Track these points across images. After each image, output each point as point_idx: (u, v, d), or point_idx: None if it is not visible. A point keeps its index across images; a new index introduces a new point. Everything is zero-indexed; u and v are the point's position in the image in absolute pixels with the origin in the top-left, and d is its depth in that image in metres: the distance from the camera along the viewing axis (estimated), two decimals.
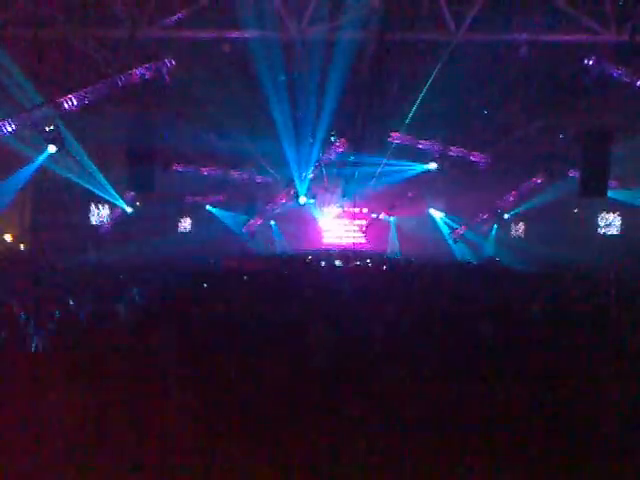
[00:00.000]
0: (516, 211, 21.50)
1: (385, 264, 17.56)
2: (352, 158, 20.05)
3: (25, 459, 3.76)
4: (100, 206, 21.76)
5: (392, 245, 23.00)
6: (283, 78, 14.64)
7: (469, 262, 18.84)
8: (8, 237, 19.59)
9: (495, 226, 22.22)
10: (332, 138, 19.43)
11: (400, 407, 4.40)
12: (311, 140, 18.29)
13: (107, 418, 4.17)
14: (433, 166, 20.16)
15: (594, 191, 15.34)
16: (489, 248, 21.96)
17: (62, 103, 13.37)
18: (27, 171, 16.45)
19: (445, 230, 22.86)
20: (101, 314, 6.98)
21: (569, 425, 4.24)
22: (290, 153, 18.43)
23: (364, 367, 5.14)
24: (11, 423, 4.06)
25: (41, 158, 15.84)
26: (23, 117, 13.45)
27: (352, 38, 12.38)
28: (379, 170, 20.33)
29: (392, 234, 23.19)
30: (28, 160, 16.13)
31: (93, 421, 4.12)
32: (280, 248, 22.45)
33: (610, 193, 16.31)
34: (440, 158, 19.78)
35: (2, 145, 14.41)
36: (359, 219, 23.36)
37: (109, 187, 19.07)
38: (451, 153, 19.63)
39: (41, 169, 16.65)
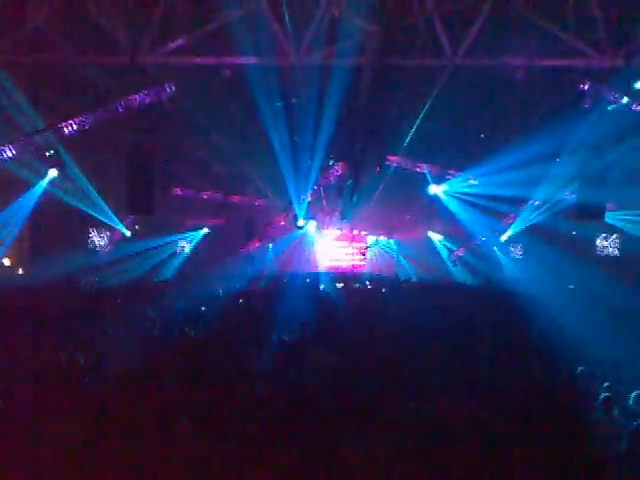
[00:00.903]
0: (514, 232, 21.41)
1: (386, 287, 17.47)
2: (350, 181, 20.10)
3: None
4: (99, 230, 21.69)
5: (399, 268, 22.81)
6: (282, 103, 14.78)
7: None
8: (7, 261, 19.48)
9: (495, 248, 22.13)
10: (330, 162, 19.52)
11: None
12: (309, 163, 18.36)
13: None
14: (434, 190, 20.22)
15: (591, 214, 15.30)
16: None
17: (63, 128, 13.44)
18: (30, 198, 16.34)
19: (444, 253, 22.79)
20: None
21: None
22: (289, 177, 18.50)
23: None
24: None
25: (43, 183, 15.84)
26: (24, 142, 13.51)
27: (350, 63, 12.53)
28: (377, 193, 20.33)
29: (397, 257, 23.05)
30: (28, 185, 16.07)
31: None
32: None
33: (608, 216, 16.29)
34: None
35: (2, 170, 14.41)
36: (358, 241, 23.32)
37: (108, 211, 19.05)
38: (448, 176, 19.74)
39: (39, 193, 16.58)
